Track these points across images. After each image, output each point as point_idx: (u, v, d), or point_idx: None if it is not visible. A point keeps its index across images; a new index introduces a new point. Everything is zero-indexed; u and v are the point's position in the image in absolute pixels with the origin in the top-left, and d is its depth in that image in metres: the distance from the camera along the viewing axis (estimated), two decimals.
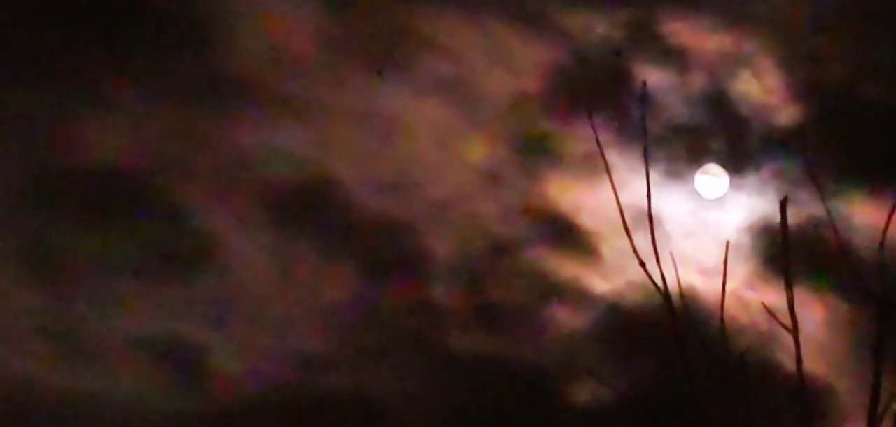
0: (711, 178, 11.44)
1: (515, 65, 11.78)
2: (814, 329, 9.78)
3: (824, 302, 10.87)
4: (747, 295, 10.76)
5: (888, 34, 11.47)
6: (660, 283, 7.47)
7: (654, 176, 8.11)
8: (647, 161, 7.58)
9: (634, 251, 7.44)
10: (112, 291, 10.85)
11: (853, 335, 10.91)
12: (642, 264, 7.47)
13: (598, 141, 7.62)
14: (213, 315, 11.01)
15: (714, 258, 10.61)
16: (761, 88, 11.71)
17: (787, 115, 11.70)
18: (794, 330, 7.35)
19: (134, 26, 11.12)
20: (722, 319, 7.46)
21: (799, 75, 11.63)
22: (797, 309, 7.65)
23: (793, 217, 7.94)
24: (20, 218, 10.72)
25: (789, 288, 7.34)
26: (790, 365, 7.99)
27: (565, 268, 11.60)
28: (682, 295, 7.45)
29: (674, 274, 7.48)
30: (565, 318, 11.47)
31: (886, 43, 11.45)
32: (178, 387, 10.89)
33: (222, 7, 11.33)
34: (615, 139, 10.64)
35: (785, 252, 7.38)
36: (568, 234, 11.63)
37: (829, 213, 7.63)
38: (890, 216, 7.43)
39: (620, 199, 7.94)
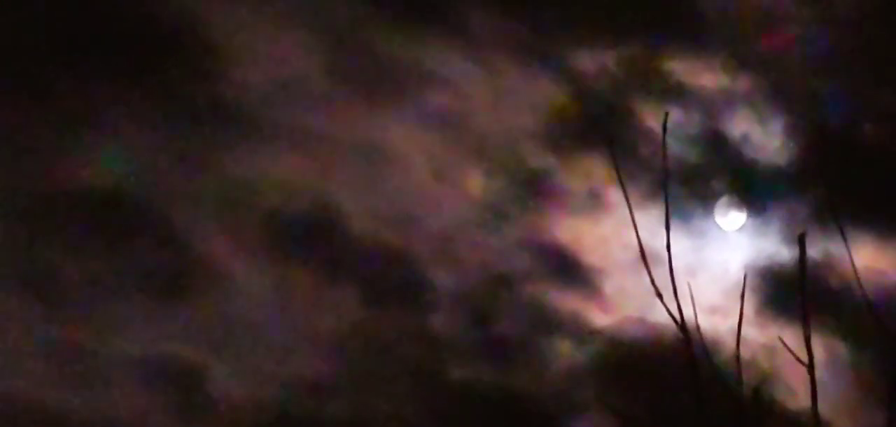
0: (728, 211, 11.57)
1: (517, 99, 11.87)
2: (822, 368, 9.84)
3: (831, 341, 10.98)
4: (749, 332, 10.83)
5: (888, 76, 11.62)
6: (676, 315, 7.47)
7: (654, 213, 8.11)
8: (666, 192, 7.57)
9: (652, 282, 7.40)
10: (112, 313, 10.87)
11: (863, 376, 11.02)
12: (659, 295, 7.45)
13: (618, 174, 7.61)
14: (214, 339, 11.06)
15: (716, 295, 10.73)
16: (763, 129, 11.84)
17: (788, 155, 11.84)
18: (811, 366, 7.37)
19: (137, 52, 11.15)
20: (737, 352, 7.49)
21: (800, 115, 11.76)
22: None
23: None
24: (21, 240, 10.72)
25: (806, 323, 7.35)
26: (798, 403, 8.02)
27: (566, 302, 11.68)
28: (697, 327, 7.46)
29: (689, 307, 7.50)
30: (565, 350, 11.55)
31: (887, 85, 11.60)
32: (177, 409, 10.90)
33: (226, 35, 11.37)
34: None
35: (802, 287, 7.38)
36: (568, 269, 11.72)
37: (848, 249, 7.66)
38: None
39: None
